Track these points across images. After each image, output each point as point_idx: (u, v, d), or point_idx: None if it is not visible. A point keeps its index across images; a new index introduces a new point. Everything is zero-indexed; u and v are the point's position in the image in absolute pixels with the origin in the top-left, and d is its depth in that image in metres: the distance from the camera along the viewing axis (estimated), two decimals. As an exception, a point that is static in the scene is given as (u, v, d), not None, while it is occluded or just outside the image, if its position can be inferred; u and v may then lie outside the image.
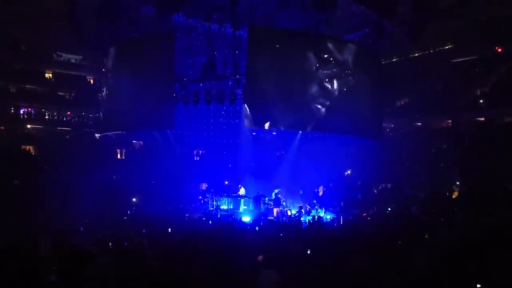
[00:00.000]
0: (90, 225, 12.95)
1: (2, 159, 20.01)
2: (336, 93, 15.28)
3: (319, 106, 15.02)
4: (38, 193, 17.03)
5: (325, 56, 15.09)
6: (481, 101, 26.02)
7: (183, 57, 16.73)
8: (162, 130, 18.75)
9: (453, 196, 18.33)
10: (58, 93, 33.08)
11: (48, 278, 3.45)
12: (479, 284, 6.84)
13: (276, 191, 19.50)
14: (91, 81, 34.86)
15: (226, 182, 23.17)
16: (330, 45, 15.28)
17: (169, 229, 12.70)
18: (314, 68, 14.87)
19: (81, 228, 12.56)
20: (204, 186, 23.62)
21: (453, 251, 9.17)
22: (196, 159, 27.79)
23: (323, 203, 19.71)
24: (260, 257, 7.98)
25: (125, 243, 9.28)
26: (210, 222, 15.57)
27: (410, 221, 14.70)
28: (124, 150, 28.04)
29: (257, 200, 19.10)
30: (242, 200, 19.98)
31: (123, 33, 16.83)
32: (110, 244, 8.69)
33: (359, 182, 22.60)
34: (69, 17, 17.37)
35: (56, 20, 26.08)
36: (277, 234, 12.27)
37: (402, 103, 30.97)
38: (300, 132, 21.74)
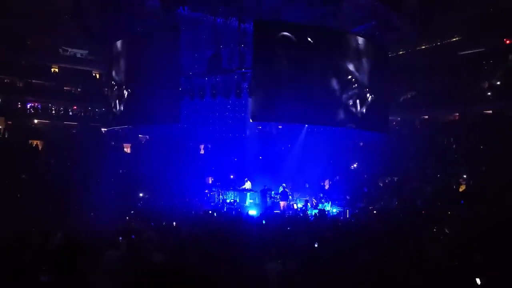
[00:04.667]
0: (98, 219, 13.01)
1: (9, 153, 20.17)
2: (342, 85, 15.20)
3: (325, 100, 14.94)
4: (45, 187, 17.16)
5: (331, 49, 14.99)
6: (489, 93, 25.74)
7: (188, 51, 16.70)
8: (168, 124, 18.73)
9: (460, 190, 18.24)
10: (65, 87, 33.32)
11: (58, 270, 3.48)
12: (484, 277, 6.79)
13: (284, 185, 19.50)
14: (97, 76, 34.96)
15: (232, 176, 23.19)
16: (336, 38, 15.19)
17: (174, 223, 12.75)
18: (320, 61, 14.79)
19: (92, 213, 12.66)
20: (210, 180, 23.66)
21: (459, 244, 9.15)
22: (202, 153, 27.81)
23: (330, 196, 19.69)
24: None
25: (133, 236, 9.32)
26: (215, 214, 15.61)
27: (416, 214, 14.67)
28: (130, 145, 28.14)
29: (263, 193, 19.12)
30: (248, 193, 20.01)
31: (128, 27, 16.81)
32: (120, 238, 8.73)
33: (365, 176, 22.52)
34: (74, 11, 17.38)
35: (61, 15, 26.14)
36: (284, 228, 12.28)
37: (409, 96, 30.74)
38: (306, 125, 21.70)
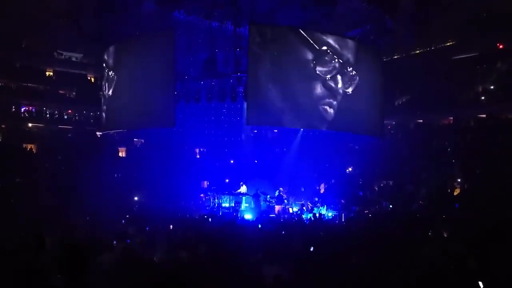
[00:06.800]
0: (93, 223, 12.94)
1: (3, 157, 20.02)
2: (338, 90, 15.21)
3: (322, 104, 14.92)
4: (40, 190, 17.04)
5: (328, 53, 15.00)
6: (483, 97, 25.97)
7: (184, 55, 16.69)
8: (163, 128, 18.70)
9: (455, 193, 18.32)
10: (59, 91, 33.13)
11: (54, 273, 3.46)
12: (481, 281, 6.80)
13: (281, 189, 19.49)
14: (92, 79, 34.86)
15: (227, 180, 23.17)
16: (332, 42, 15.19)
17: (171, 226, 12.71)
18: (316, 65, 14.79)
19: (87, 218, 12.60)
20: (205, 184, 23.61)
21: (454, 248, 9.16)
22: (198, 157, 27.77)
23: (325, 200, 19.69)
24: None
25: (128, 241, 9.28)
26: (210, 219, 15.56)
27: (412, 218, 14.70)
28: (125, 148, 28.06)
29: (256, 197, 19.08)
30: (244, 198, 19.97)
31: (123, 30, 16.80)
32: (115, 242, 8.70)
33: (361, 179, 22.57)
34: (69, 13, 17.37)
35: (56, 18, 26.08)
36: (279, 232, 12.26)
37: (404, 100, 30.91)
38: (302, 129, 21.72)
